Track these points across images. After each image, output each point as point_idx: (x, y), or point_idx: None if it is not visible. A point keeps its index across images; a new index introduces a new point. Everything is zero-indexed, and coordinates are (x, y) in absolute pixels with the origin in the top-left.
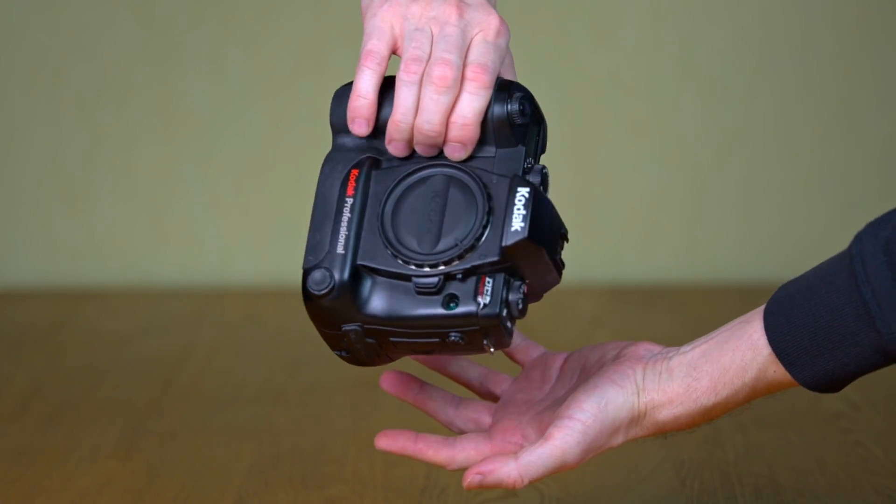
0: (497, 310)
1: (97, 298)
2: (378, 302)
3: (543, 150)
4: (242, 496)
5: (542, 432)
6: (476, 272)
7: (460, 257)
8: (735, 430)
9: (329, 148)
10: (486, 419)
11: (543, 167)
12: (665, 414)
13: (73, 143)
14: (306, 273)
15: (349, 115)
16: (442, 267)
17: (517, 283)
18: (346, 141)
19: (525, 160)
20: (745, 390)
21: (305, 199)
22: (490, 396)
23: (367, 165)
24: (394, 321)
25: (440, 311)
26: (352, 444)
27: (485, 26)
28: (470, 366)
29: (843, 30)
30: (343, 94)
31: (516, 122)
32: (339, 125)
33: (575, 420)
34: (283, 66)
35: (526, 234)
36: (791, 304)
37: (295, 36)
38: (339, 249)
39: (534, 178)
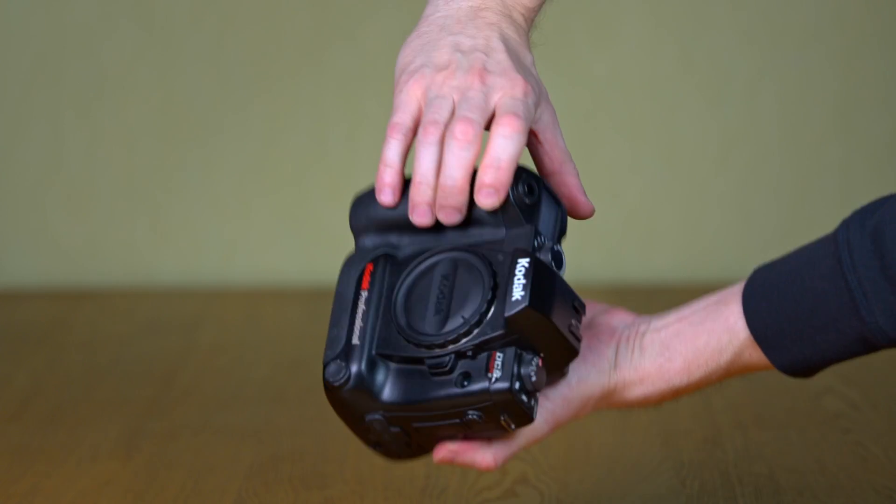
0: (508, 384)
1: (97, 298)
2: (395, 388)
3: (563, 234)
4: (242, 496)
5: None
6: (486, 347)
7: (467, 333)
8: (735, 430)
9: (326, 148)
10: None
11: (556, 246)
12: (635, 392)
13: (73, 143)
14: (324, 367)
15: (377, 185)
16: (451, 346)
17: (529, 356)
18: (366, 242)
19: (536, 238)
20: (719, 372)
21: (305, 199)
22: None
23: (381, 260)
24: (412, 406)
25: (454, 390)
26: (352, 444)
27: (508, 89)
28: None
29: (843, 30)
30: (361, 198)
31: (524, 202)
32: (358, 228)
33: (547, 398)
34: (283, 66)
35: (527, 302)
36: (772, 287)
37: (295, 36)
38: (355, 341)
39: (543, 256)
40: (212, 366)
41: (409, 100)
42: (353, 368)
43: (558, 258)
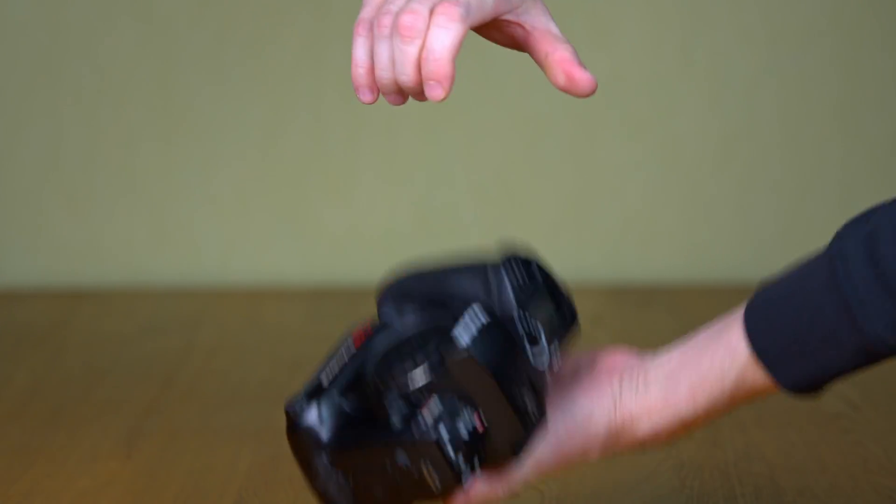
0: (435, 434)
1: (97, 298)
2: (344, 432)
3: (559, 337)
4: (242, 496)
5: None
6: (427, 391)
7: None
8: (735, 430)
9: (326, 148)
10: None
11: (545, 342)
12: (644, 427)
13: (73, 143)
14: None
15: (354, 86)
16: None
17: (467, 409)
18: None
19: (524, 322)
20: (724, 398)
21: (305, 199)
22: None
23: (383, 328)
24: (352, 450)
25: (385, 432)
26: None
27: None
28: None
29: (843, 30)
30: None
31: (522, 283)
32: (380, 302)
33: (550, 433)
34: (283, 66)
35: (465, 345)
36: (771, 305)
37: (295, 36)
38: (324, 382)
39: (522, 328)
40: (212, 366)
41: None
42: (311, 406)
43: (548, 355)
